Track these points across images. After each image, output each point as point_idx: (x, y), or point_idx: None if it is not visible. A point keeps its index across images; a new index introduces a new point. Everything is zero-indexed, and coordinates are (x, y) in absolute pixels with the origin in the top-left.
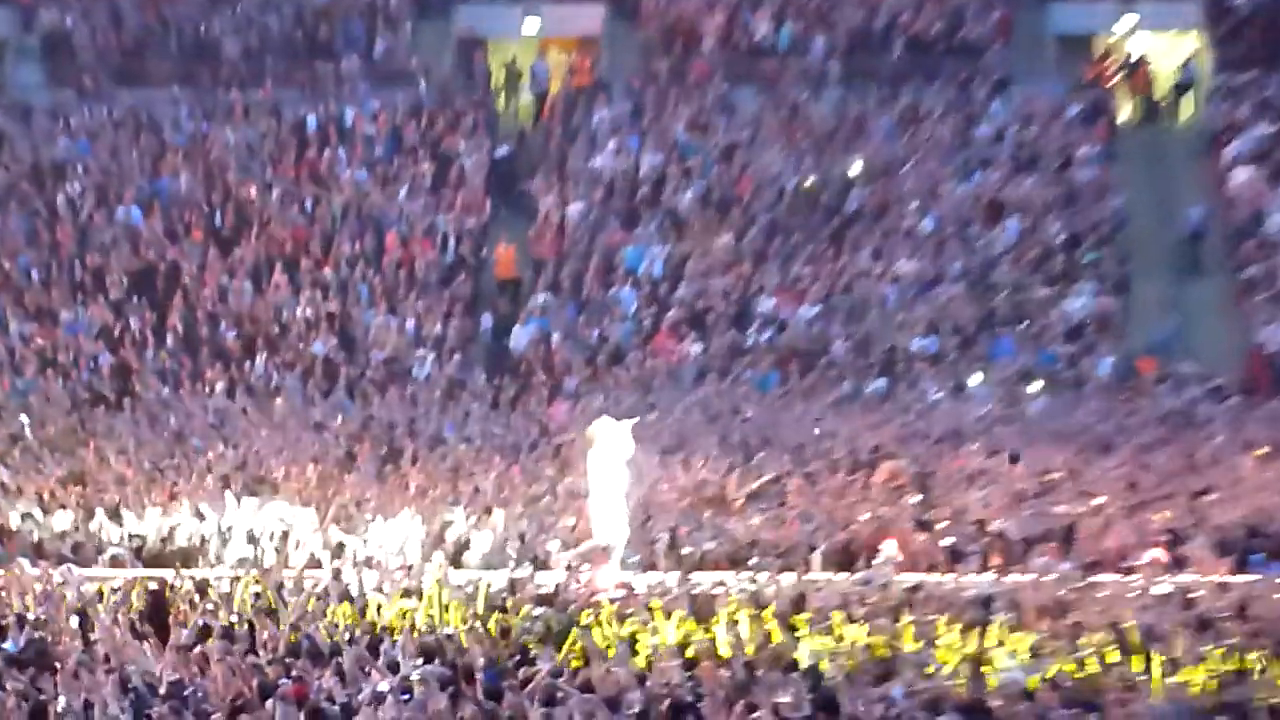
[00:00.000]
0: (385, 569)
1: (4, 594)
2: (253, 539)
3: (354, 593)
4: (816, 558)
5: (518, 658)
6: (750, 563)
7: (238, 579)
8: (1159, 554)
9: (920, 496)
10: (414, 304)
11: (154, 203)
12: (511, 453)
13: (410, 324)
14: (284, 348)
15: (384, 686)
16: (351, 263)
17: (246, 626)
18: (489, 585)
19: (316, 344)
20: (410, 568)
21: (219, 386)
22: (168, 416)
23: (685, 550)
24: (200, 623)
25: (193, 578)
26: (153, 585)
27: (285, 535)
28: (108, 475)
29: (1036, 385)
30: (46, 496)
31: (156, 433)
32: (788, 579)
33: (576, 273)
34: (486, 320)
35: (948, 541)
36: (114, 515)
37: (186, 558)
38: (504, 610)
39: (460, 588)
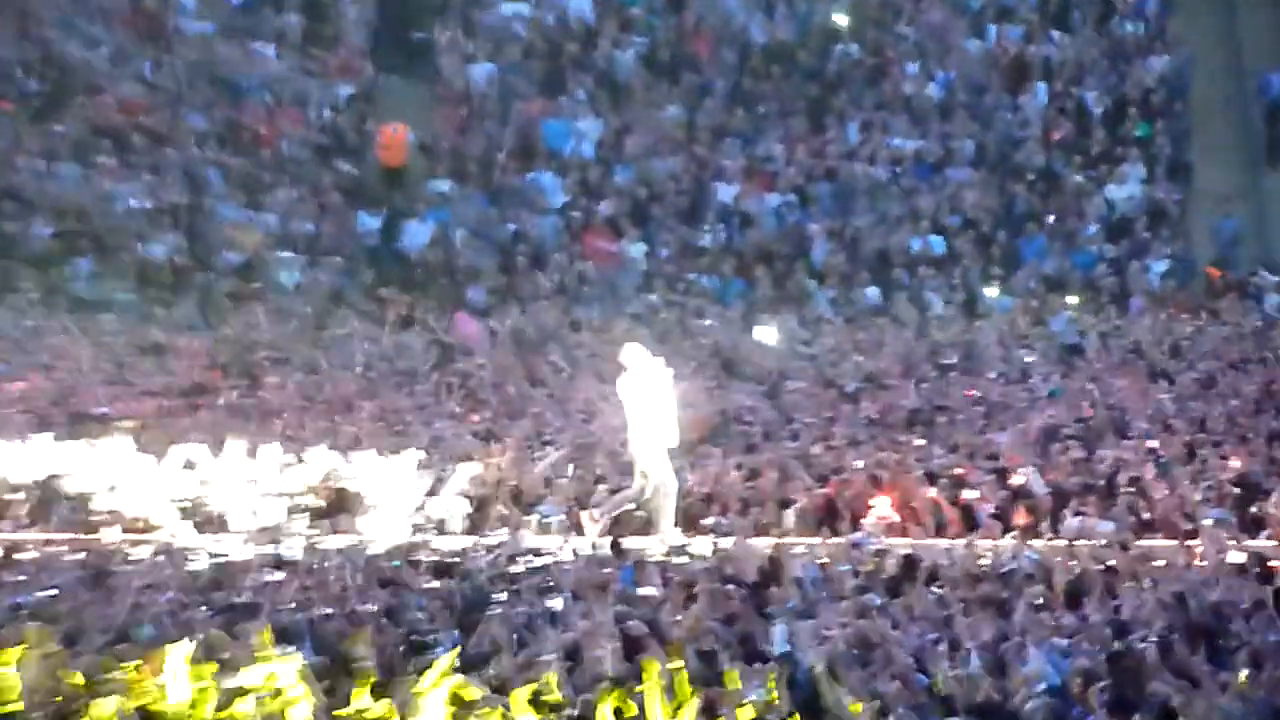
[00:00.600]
0: (247, 532)
1: None
2: (72, 493)
3: (199, 564)
4: (790, 516)
5: (402, 647)
6: (709, 524)
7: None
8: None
9: (923, 439)
10: (278, 195)
11: None
12: (405, 381)
13: (273, 220)
14: (114, 249)
15: None
16: (200, 141)
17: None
18: (374, 552)
19: (155, 244)
20: (274, 530)
21: (33, 297)
22: None
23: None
24: (14, 601)
25: None
26: None
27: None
28: None
29: (1071, 298)
30: None
31: None
32: (758, 545)
33: (485, 153)
34: (369, 217)
35: (958, 496)
36: None
37: None
38: (394, 584)
39: (341, 553)
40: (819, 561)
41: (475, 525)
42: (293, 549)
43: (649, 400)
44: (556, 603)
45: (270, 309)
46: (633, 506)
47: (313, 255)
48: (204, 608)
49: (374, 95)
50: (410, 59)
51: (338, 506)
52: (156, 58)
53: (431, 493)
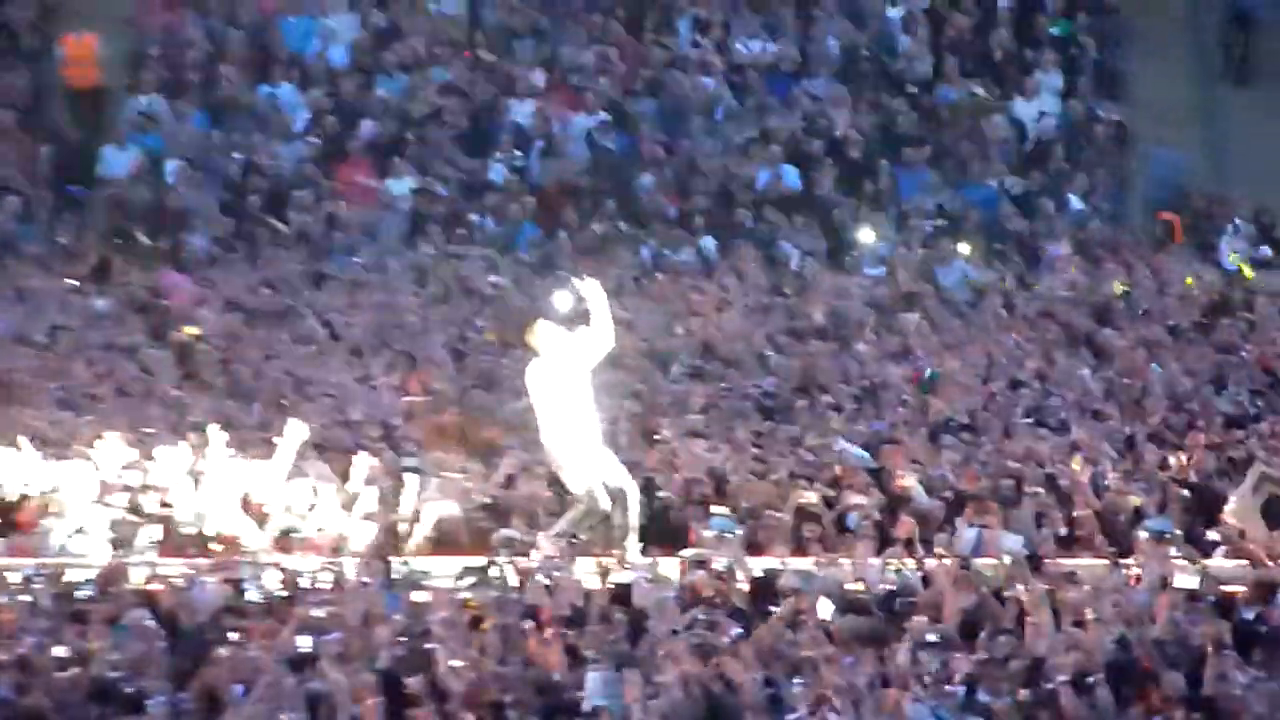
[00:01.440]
0: None
1: None
2: None
3: None
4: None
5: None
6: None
7: None
8: None
9: (766, 425)
10: None
11: None
12: (102, 357)
13: None
14: None
15: None
16: None
17: None
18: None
19: None
20: None
21: None
22: None
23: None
24: None
25: None
26: None
27: None
28: None
29: (963, 245)
30: None
31: None
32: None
33: (205, 61)
34: (53, 144)
35: (806, 502)
36: None
37: None
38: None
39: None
40: (646, 584)
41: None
42: None
43: (572, 390)
44: (304, 642)
45: None
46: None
47: None
48: None
49: None
50: None
51: (7, 519)
52: None
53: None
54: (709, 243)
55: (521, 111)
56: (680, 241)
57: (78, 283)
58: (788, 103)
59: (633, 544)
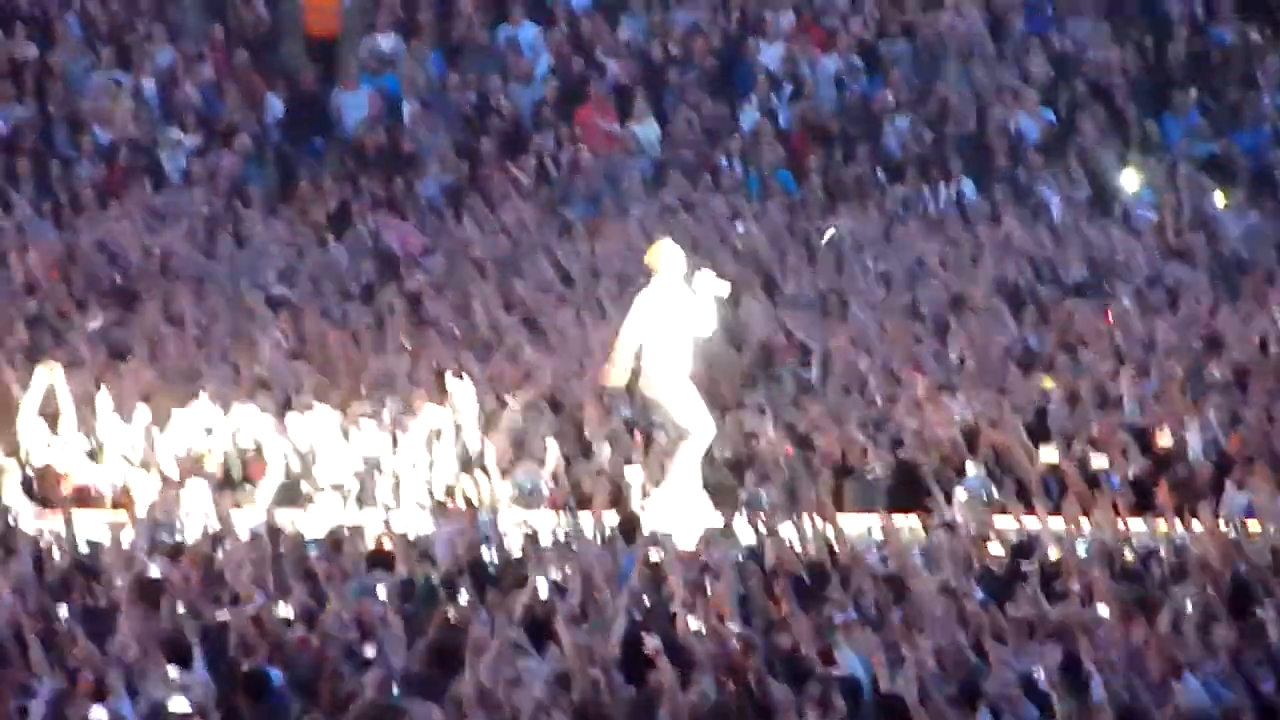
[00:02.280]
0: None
1: None
2: None
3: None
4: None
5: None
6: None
7: None
8: None
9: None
10: (157, 50)
11: None
12: (334, 305)
13: (150, 86)
14: None
15: None
16: None
17: None
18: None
19: None
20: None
21: None
22: None
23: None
24: None
25: None
26: None
27: None
28: None
29: (1220, 195)
30: None
31: None
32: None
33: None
34: (285, 87)
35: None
36: None
37: None
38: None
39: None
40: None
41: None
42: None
43: (679, 322)
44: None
45: (148, 205)
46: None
47: (208, 134)
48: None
49: None
50: None
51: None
52: None
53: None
54: (967, 188)
55: (770, 53)
56: (935, 188)
57: (310, 228)
58: (1047, 43)
59: (664, 493)
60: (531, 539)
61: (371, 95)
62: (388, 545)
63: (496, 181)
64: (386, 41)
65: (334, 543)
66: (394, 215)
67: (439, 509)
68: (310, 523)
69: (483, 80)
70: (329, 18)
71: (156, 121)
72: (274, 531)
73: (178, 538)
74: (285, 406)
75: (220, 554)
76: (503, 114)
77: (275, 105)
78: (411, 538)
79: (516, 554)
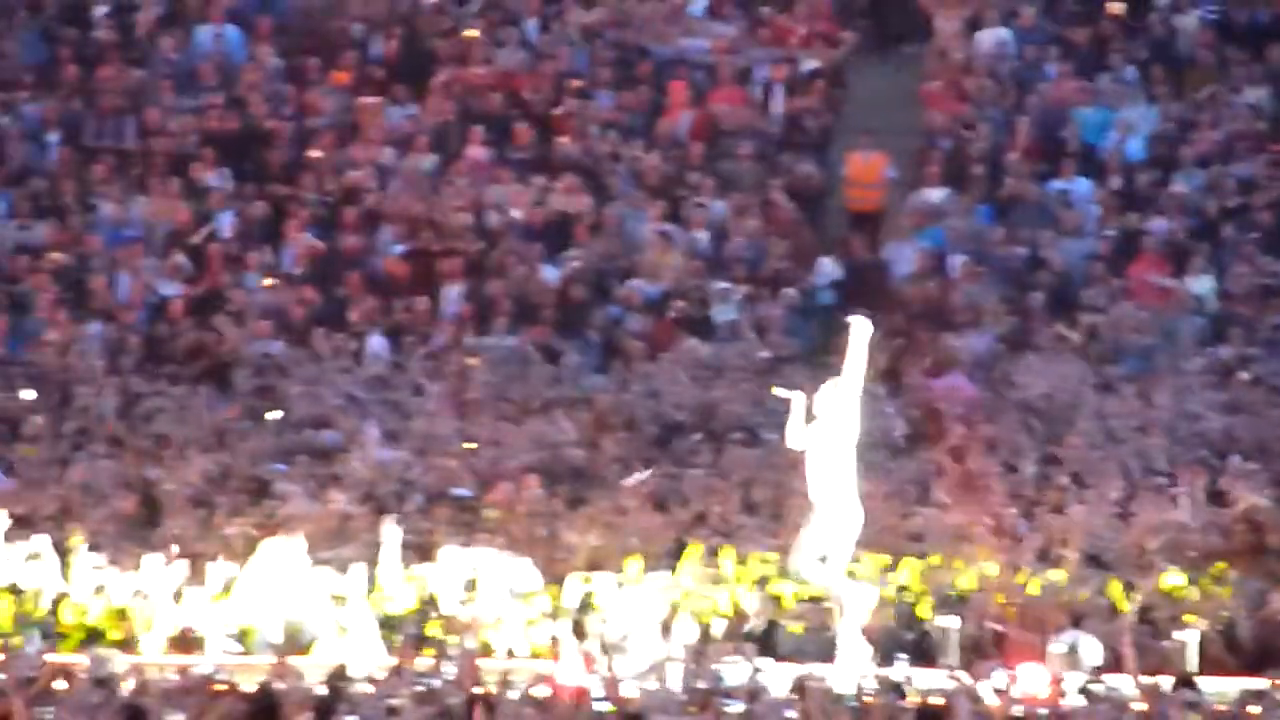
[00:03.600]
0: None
1: None
2: None
3: None
4: None
5: None
6: None
7: None
8: None
9: None
10: (711, 204)
11: None
12: (874, 457)
13: (703, 237)
14: (489, 271)
15: None
16: (603, 129)
17: None
18: None
19: (547, 267)
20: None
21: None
22: None
23: None
24: None
25: None
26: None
27: None
28: None
29: None
30: None
31: None
32: None
33: (991, 152)
34: (827, 263)
35: None
36: None
37: None
38: None
39: None
40: None
41: None
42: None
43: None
44: None
45: (690, 357)
46: None
47: (755, 286)
48: None
49: (847, 72)
50: (892, 23)
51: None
52: (543, 15)
53: None
54: None
55: None
56: None
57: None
58: None
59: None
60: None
61: (921, 250)
62: None
63: (1045, 336)
64: (935, 195)
65: None
66: (943, 369)
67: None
68: None
69: (1032, 234)
70: (873, 195)
71: (705, 273)
72: None
73: None
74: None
75: None
76: (1053, 268)
77: (826, 266)
78: None
79: None
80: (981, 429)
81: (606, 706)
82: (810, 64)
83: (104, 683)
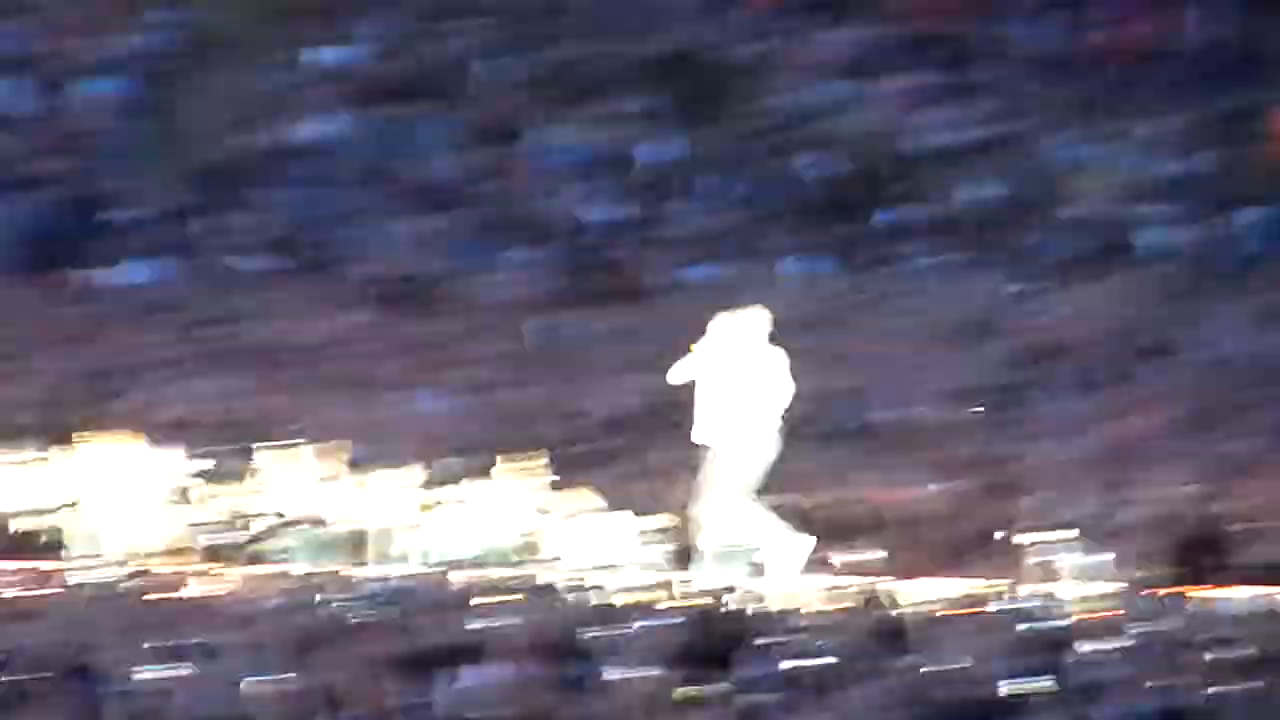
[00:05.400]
0: None
1: None
2: None
3: None
4: None
5: None
6: None
7: None
8: None
9: None
10: (1136, 127)
11: None
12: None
13: (1130, 160)
14: (917, 196)
15: None
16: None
17: None
18: None
19: (969, 191)
20: None
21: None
22: None
23: None
24: None
25: None
26: None
27: None
28: None
29: None
30: None
31: None
32: None
33: None
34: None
35: None
36: None
37: None
38: None
39: None
40: None
41: None
42: None
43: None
44: None
45: (1119, 281)
46: None
47: (1188, 209)
48: None
49: None
50: None
51: None
52: None
53: None
54: None
55: None
56: None
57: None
58: None
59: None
60: None
61: None
62: None
63: None
64: None
65: None
66: None
67: None
68: None
69: None
70: None
71: (1128, 196)
72: None
73: None
74: None
75: None
76: None
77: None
78: None
79: None
80: None
81: None
82: None
83: None
